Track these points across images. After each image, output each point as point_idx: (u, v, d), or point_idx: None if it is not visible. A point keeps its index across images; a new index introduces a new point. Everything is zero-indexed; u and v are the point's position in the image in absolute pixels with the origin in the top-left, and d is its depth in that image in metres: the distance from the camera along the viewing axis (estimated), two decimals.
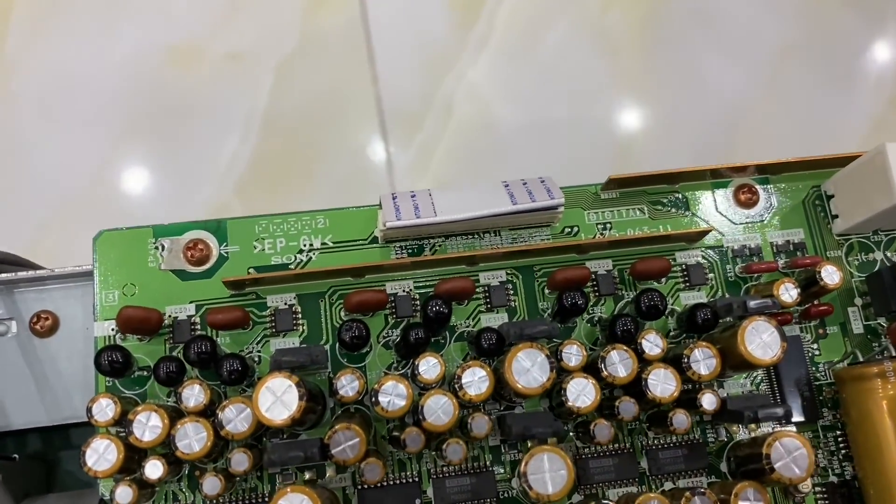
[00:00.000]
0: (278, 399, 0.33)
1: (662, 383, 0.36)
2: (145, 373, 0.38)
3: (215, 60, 0.86)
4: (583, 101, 0.85)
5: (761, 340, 0.35)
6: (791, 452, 0.35)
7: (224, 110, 0.84)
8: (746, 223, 0.42)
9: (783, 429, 0.39)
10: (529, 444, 0.35)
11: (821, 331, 0.41)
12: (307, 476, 0.37)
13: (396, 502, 0.37)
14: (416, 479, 0.38)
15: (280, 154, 0.84)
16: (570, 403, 0.35)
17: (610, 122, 0.84)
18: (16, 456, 0.42)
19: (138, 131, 0.80)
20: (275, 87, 0.88)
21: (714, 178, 0.43)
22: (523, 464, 0.34)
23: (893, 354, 0.40)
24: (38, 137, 0.78)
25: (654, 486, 0.39)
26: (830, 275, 0.39)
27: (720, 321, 0.38)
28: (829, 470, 0.39)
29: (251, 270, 0.40)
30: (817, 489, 0.39)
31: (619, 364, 0.36)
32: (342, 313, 0.39)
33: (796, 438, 0.35)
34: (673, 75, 0.85)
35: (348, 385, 0.35)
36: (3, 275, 0.40)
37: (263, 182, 0.86)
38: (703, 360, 0.37)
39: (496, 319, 0.40)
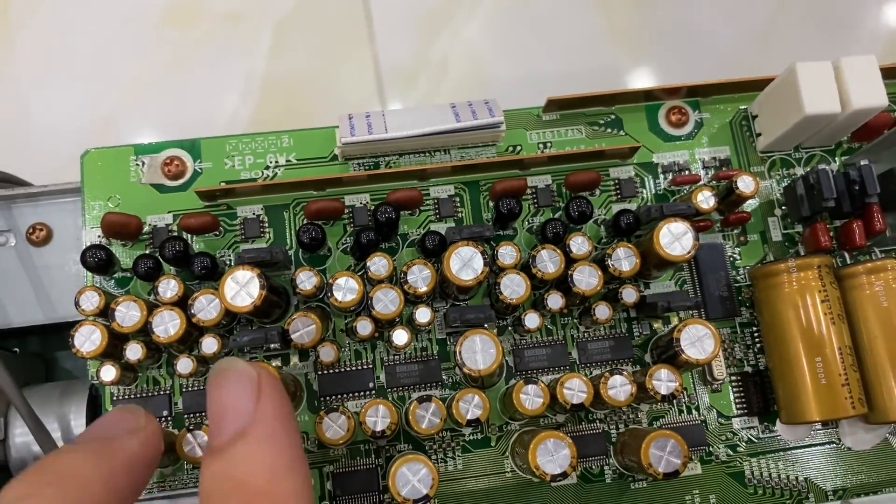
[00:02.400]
0: (242, 288, 0.38)
1: (587, 278, 0.40)
2: (129, 274, 0.42)
3: (214, 20, 0.89)
4: (577, 56, 0.87)
5: (675, 238, 0.40)
6: (699, 336, 0.39)
7: (223, 70, 0.88)
8: (676, 141, 0.46)
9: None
10: None
11: (742, 238, 0.45)
12: (274, 364, 0.42)
13: (352, 385, 0.42)
14: (370, 366, 0.42)
15: (278, 113, 0.88)
16: (502, 296, 0.39)
17: (604, 76, 0.87)
18: (16, 350, 0.47)
19: (138, 91, 0.83)
20: (273, 47, 0.91)
21: (648, 100, 0.47)
22: (458, 344, 0.38)
23: (801, 254, 0.44)
24: (39, 96, 0.81)
25: (584, 373, 0.43)
26: (747, 184, 0.42)
27: (643, 226, 0.43)
28: (745, 361, 0.44)
29: (222, 184, 0.44)
30: (733, 378, 0.44)
31: (548, 262, 0.40)
32: (304, 221, 0.44)
33: (702, 325, 0.39)
34: (668, 30, 0.87)
35: (307, 280, 0.40)
36: (1, 191, 0.45)
37: None
38: (624, 258, 0.41)
39: (444, 228, 0.44)
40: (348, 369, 0.42)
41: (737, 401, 0.43)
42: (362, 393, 0.42)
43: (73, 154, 0.81)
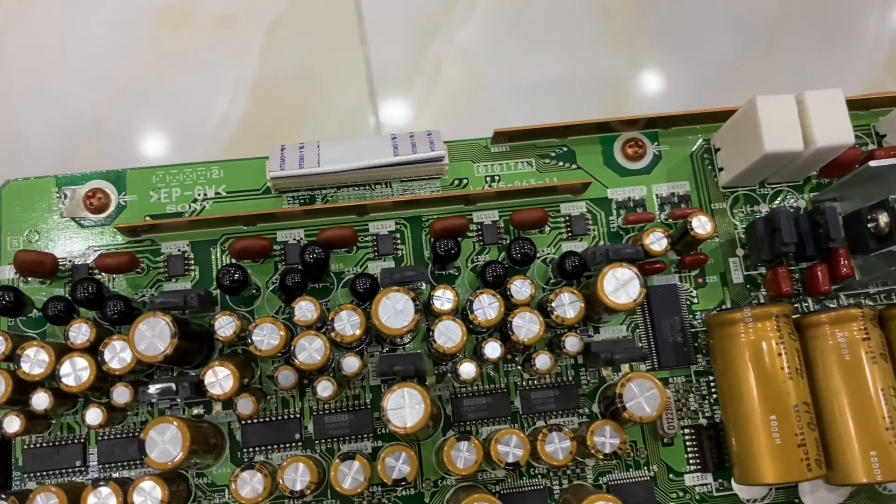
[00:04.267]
0: (153, 337, 0.35)
1: (527, 325, 0.38)
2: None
3: (206, 22, 0.87)
4: (573, 62, 0.85)
5: (620, 286, 0.37)
6: (643, 392, 0.36)
7: (214, 72, 0.86)
8: (633, 176, 0.44)
9: (642, 371, 0.40)
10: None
11: (700, 280, 0.43)
12: (196, 411, 0.40)
13: (277, 436, 0.39)
14: (298, 416, 0.40)
15: (270, 115, 0.86)
16: (436, 344, 0.37)
17: (600, 83, 0.84)
18: None
19: (129, 93, 0.81)
20: (265, 50, 0.89)
21: (603, 131, 0.44)
22: (384, 399, 0.35)
23: (761, 302, 0.41)
24: (30, 99, 0.79)
25: (526, 425, 0.40)
26: (702, 225, 0.40)
27: (592, 269, 0.40)
28: (700, 413, 0.41)
29: (147, 218, 0.42)
30: (686, 430, 0.41)
31: (486, 307, 0.38)
32: (230, 259, 0.41)
33: (649, 379, 0.36)
34: (665, 36, 0.85)
35: (225, 326, 0.37)
36: None
37: (253, 143, 0.87)
38: (568, 304, 0.38)
39: (384, 267, 0.42)
40: (274, 419, 0.39)
41: (690, 455, 0.41)
42: (288, 445, 0.39)
43: (60, 159, 0.80)
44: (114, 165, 0.69)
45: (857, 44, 0.88)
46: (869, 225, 0.40)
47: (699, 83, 0.83)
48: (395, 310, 0.36)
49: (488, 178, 0.43)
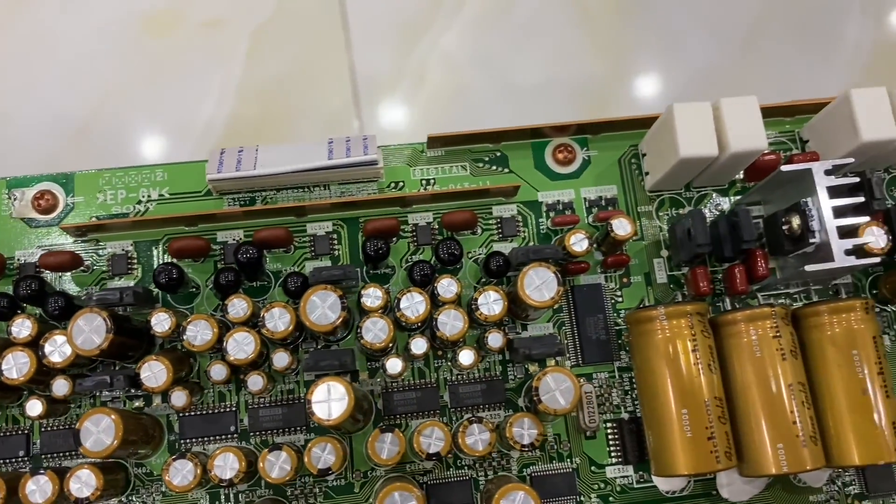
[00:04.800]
0: (90, 332, 0.37)
1: (451, 322, 0.39)
2: None
3: (192, 27, 0.88)
4: (557, 68, 0.86)
5: (539, 285, 0.39)
6: (559, 385, 0.38)
7: (200, 76, 0.87)
8: (562, 180, 0.45)
9: (566, 367, 0.42)
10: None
11: (625, 279, 0.44)
12: (136, 404, 0.41)
13: (214, 429, 0.41)
14: (234, 409, 0.41)
15: (255, 120, 0.87)
16: (364, 340, 0.39)
17: (584, 88, 0.86)
18: None
19: (116, 96, 0.83)
20: (250, 54, 0.90)
21: (535, 137, 0.46)
22: (310, 392, 0.37)
23: (679, 300, 0.43)
24: (17, 102, 0.81)
25: (454, 419, 0.42)
26: (622, 226, 0.41)
27: (516, 268, 0.42)
28: (622, 407, 0.43)
29: (94, 218, 0.43)
30: (609, 424, 0.42)
31: (413, 305, 0.39)
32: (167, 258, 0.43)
33: (563, 373, 0.38)
34: (647, 40, 0.86)
35: (161, 322, 0.39)
36: None
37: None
38: (492, 302, 0.40)
39: (316, 266, 0.43)
40: (210, 412, 0.41)
41: (612, 448, 0.42)
42: (224, 437, 0.41)
43: (47, 162, 0.81)
44: (104, 164, 0.70)
45: (838, 49, 0.89)
46: (784, 227, 0.41)
47: (680, 88, 0.84)
48: (322, 307, 0.38)
49: (424, 182, 0.45)
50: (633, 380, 0.43)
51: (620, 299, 0.44)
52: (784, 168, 0.40)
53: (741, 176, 0.46)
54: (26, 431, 0.41)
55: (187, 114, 0.83)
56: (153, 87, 0.82)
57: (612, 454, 0.42)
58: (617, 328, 0.43)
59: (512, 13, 0.89)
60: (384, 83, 0.88)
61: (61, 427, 0.41)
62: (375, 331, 0.39)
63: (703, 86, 0.85)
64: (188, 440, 0.41)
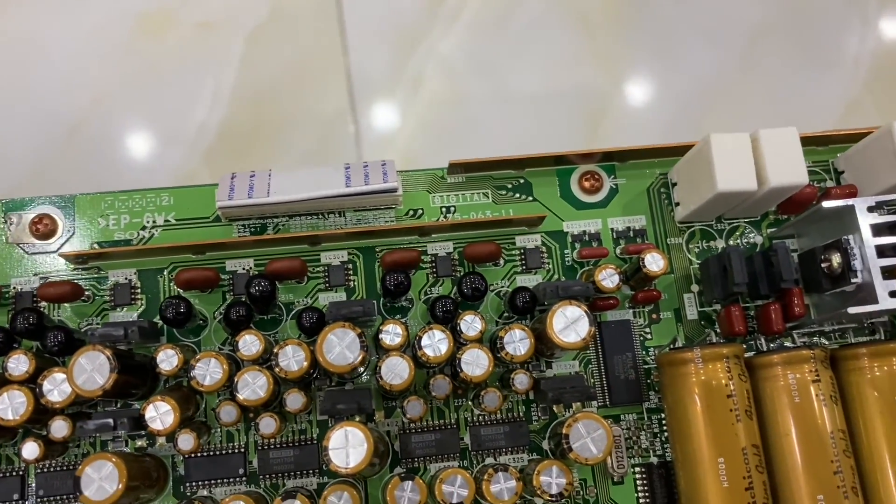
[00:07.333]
0: (93, 370, 0.35)
1: (475, 363, 0.37)
2: None
3: (186, 29, 0.86)
4: (555, 76, 0.84)
5: (569, 324, 0.37)
6: (591, 433, 0.36)
7: (194, 79, 0.85)
8: (589, 209, 0.43)
9: (588, 410, 0.40)
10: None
11: (654, 315, 0.42)
12: (139, 443, 0.39)
13: (221, 471, 0.39)
14: (243, 450, 0.39)
15: (249, 123, 0.85)
16: (382, 381, 0.36)
17: (582, 97, 0.84)
18: None
19: (108, 100, 0.80)
20: (245, 57, 0.88)
21: (560, 164, 0.44)
22: (326, 438, 0.35)
23: (714, 340, 0.41)
24: (6, 105, 0.78)
25: (475, 462, 0.40)
26: (655, 261, 0.39)
27: (545, 303, 0.40)
28: (651, 451, 0.41)
29: (95, 245, 0.41)
30: (637, 469, 0.40)
31: (436, 343, 0.37)
32: (175, 289, 0.40)
33: (596, 420, 0.36)
34: (647, 51, 0.84)
35: (167, 359, 0.37)
36: None
37: (232, 151, 0.86)
38: (517, 342, 0.38)
39: (335, 298, 0.41)
40: (218, 453, 0.39)
41: (640, 494, 0.40)
42: (232, 479, 0.39)
43: (37, 167, 0.78)
44: (91, 172, 0.68)
45: (838, 63, 0.88)
46: (822, 265, 0.39)
47: (679, 99, 0.83)
48: (340, 347, 0.36)
49: (444, 209, 0.43)
50: (663, 422, 0.41)
51: (650, 336, 0.42)
52: (825, 204, 0.39)
53: (774, 208, 0.44)
54: (21, 473, 0.38)
55: (180, 117, 0.81)
56: (146, 90, 0.80)
57: (641, 500, 0.40)
58: (646, 366, 0.41)
59: (510, 20, 0.87)
60: (381, 88, 0.86)
61: (59, 469, 0.38)
62: (395, 371, 0.37)
63: (702, 98, 0.84)
64: (194, 483, 0.38)
